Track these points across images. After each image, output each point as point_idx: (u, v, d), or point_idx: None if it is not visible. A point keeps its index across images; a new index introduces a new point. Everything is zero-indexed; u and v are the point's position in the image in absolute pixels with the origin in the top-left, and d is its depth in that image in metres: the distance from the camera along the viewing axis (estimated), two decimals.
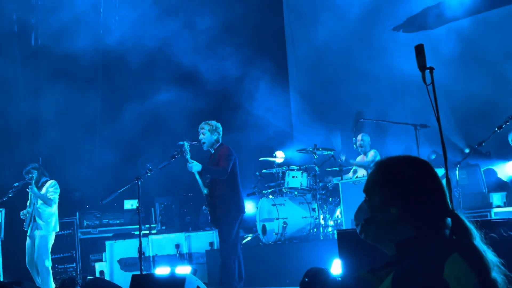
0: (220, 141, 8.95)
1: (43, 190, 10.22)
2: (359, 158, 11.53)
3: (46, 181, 10.35)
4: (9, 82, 14.28)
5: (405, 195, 2.23)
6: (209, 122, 8.94)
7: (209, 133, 8.84)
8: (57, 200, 10.31)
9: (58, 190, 10.35)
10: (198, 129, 8.97)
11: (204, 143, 8.86)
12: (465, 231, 2.19)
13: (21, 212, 10.32)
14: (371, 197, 2.32)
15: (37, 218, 10.15)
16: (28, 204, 10.34)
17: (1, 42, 14.16)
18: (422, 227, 2.20)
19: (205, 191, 8.66)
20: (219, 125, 8.98)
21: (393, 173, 2.28)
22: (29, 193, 10.24)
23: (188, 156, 8.58)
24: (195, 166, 8.51)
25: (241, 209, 8.83)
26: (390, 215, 2.24)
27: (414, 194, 2.23)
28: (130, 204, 14.08)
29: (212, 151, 8.93)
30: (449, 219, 2.22)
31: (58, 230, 10.44)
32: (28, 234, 10.24)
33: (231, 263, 8.50)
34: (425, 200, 2.23)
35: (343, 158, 11.39)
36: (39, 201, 10.15)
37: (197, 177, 8.63)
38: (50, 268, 10.16)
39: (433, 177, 2.28)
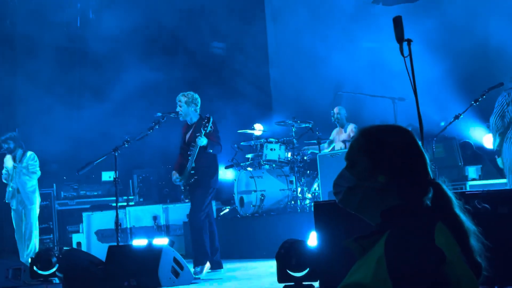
0: (198, 113, 8.88)
1: (24, 163, 10.15)
2: (336, 131, 11.54)
3: (23, 153, 10.26)
4: None
5: (392, 163, 2.21)
6: (186, 93, 8.87)
7: (185, 105, 8.79)
8: (39, 172, 10.27)
9: (38, 162, 10.30)
10: (176, 101, 8.90)
11: (180, 114, 8.81)
12: (446, 200, 2.19)
13: (8, 188, 10.26)
14: (357, 164, 2.28)
15: (21, 191, 10.09)
16: (7, 177, 10.26)
17: None
18: (408, 196, 2.19)
19: (193, 164, 8.64)
20: (196, 96, 8.89)
21: (380, 140, 2.26)
22: (7, 167, 10.18)
23: (203, 131, 8.49)
24: (204, 141, 8.49)
25: (217, 181, 8.87)
26: (377, 183, 2.21)
27: (401, 162, 2.21)
28: (108, 175, 14.02)
29: (190, 123, 8.86)
30: (430, 188, 2.22)
31: (40, 200, 10.44)
32: (13, 208, 10.19)
33: (202, 235, 8.47)
34: (411, 168, 2.22)
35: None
36: (22, 175, 10.08)
37: (196, 150, 8.59)
38: (37, 240, 10.17)
39: (417, 145, 2.27)
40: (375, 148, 2.25)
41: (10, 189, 10.21)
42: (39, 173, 10.24)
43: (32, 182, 10.19)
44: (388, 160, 2.22)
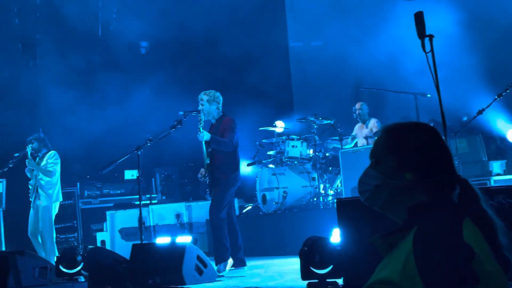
0: (221, 111, 8.87)
1: (44, 162, 10.22)
2: (358, 127, 11.51)
3: (46, 152, 10.33)
4: (8, 54, 14.25)
5: (419, 160, 2.22)
6: (207, 92, 8.85)
7: (207, 104, 8.77)
8: (57, 171, 10.30)
9: (59, 161, 10.33)
10: (198, 99, 8.89)
11: (204, 113, 8.77)
12: (473, 195, 2.19)
13: (30, 182, 10.37)
14: (383, 162, 2.29)
15: (39, 189, 10.18)
16: (30, 175, 10.36)
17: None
18: (435, 192, 2.19)
19: (207, 160, 8.65)
20: (218, 94, 8.86)
21: (407, 138, 2.26)
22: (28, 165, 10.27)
23: (201, 126, 8.54)
24: (205, 136, 8.48)
25: (238, 179, 8.81)
26: (404, 181, 2.22)
27: (428, 159, 2.22)
28: (131, 174, 14.10)
29: (214, 121, 8.86)
30: (457, 184, 2.21)
31: (61, 199, 10.48)
32: (31, 204, 10.29)
33: (221, 233, 8.46)
34: (437, 164, 2.23)
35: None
36: (40, 173, 10.18)
37: (204, 146, 8.61)
38: (54, 238, 10.21)
39: (442, 142, 2.28)
40: (401, 146, 2.26)
41: (30, 187, 10.30)
42: (56, 172, 10.23)
43: (51, 181, 10.22)
44: (415, 158, 2.23)
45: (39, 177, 10.17)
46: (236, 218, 8.95)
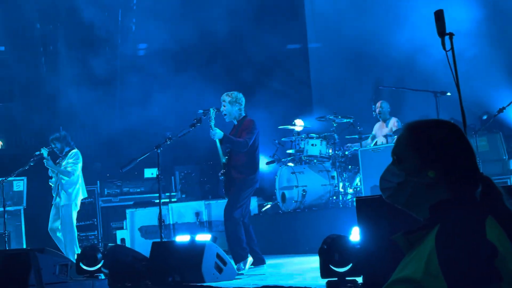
0: (243, 112, 8.83)
1: (65, 161, 10.28)
2: (378, 126, 11.48)
3: (69, 150, 10.37)
4: (29, 55, 14.39)
5: (442, 158, 2.21)
6: (230, 93, 8.72)
7: (229, 105, 8.66)
8: (77, 171, 10.31)
9: (79, 160, 10.35)
10: (220, 100, 8.85)
11: (225, 114, 8.68)
12: (495, 194, 2.18)
13: (50, 180, 10.44)
14: (405, 160, 2.28)
15: (59, 188, 10.25)
16: (50, 174, 10.43)
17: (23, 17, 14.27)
18: (457, 190, 2.19)
19: (223, 159, 8.63)
20: (240, 95, 8.75)
21: (429, 135, 2.25)
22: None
23: (212, 123, 8.47)
24: (217, 134, 8.43)
25: (256, 181, 8.69)
26: (427, 179, 2.21)
27: (451, 157, 2.21)
28: (150, 172, 14.18)
29: (235, 122, 8.79)
30: (479, 182, 2.21)
31: (86, 196, 10.54)
32: (53, 202, 10.35)
33: (237, 231, 8.43)
34: (460, 162, 2.22)
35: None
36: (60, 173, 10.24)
37: (218, 145, 8.56)
38: (75, 236, 10.26)
39: (465, 140, 2.26)
40: (424, 144, 2.25)
41: (52, 185, 10.36)
42: (75, 172, 10.25)
43: (71, 181, 10.26)
44: (438, 156, 2.22)
45: (60, 175, 10.24)
46: (249, 220, 8.85)
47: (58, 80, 14.79)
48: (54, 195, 10.35)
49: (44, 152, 10.16)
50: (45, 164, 10.19)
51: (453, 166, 2.20)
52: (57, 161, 10.37)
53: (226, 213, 8.54)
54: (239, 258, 8.34)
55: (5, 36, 14.10)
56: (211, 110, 8.57)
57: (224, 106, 8.66)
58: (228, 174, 8.57)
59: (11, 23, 13.89)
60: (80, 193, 10.37)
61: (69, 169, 10.20)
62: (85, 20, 14.10)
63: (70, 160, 10.24)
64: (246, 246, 8.45)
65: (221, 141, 8.49)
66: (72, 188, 10.26)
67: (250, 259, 8.45)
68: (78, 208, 10.39)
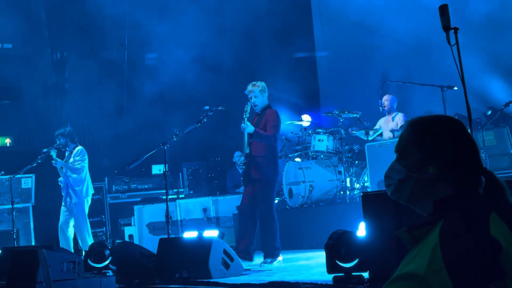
0: (267, 100, 8.83)
1: (71, 159, 10.31)
2: (384, 120, 11.45)
3: (74, 148, 10.42)
4: (36, 51, 14.41)
5: (443, 154, 2.21)
6: (256, 83, 8.73)
7: (260, 95, 8.70)
8: (85, 168, 10.38)
9: (86, 157, 10.41)
10: (246, 92, 8.78)
11: (256, 105, 8.70)
12: (499, 189, 2.18)
13: (59, 179, 10.49)
14: (407, 156, 2.28)
15: (69, 186, 10.29)
16: (59, 172, 10.47)
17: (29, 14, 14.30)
18: (460, 185, 2.18)
19: (247, 150, 8.66)
20: (264, 83, 8.83)
21: (430, 131, 2.25)
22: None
23: (245, 117, 8.53)
24: (249, 128, 8.49)
25: (278, 172, 8.83)
26: (428, 174, 2.21)
27: (452, 152, 2.21)
28: (158, 169, 14.21)
29: (259, 111, 8.78)
30: (482, 177, 2.21)
31: (92, 192, 10.61)
32: (63, 201, 10.40)
33: (272, 226, 8.54)
34: (462, 158, 2.21)
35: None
36: (68, 170, 10.28)
37: (246, 137, 8.61)
38: (90, 231, 10.34)
39: (467, 135, 2.25)
40: (425, 140, 2.25)
41: (61, 184, 10.40)
42: (84, 169, 10.32)
43: (79, 178, 10.32)
44: (439, 151, 2.22)
45: (68, 174, 10.28)
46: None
47: (66, 78, 14.83)
48: (64, 195, 10.38)
49: (53, 153, 10.20)
50: (54, 164, 10.23)
51: (455, 161, 2.20)
52: (64, 160, 10.40)
53: (265, 213, 8.61)
54: (269, 255, 8.48)
55: (13, 33, 14.13)
56: (247, 105, 8.59)
57: (255, 96, 8.68)
58: (250, 165, 8.61)
59: (19, 20, 13.91)
60: (89, 190, 10.44)
61: (77, 166, 10.25)
62: (94, 19, 14.16)
63: (77, 158, 10.29)
64: (279, 246, 8.56)
65: (250, 135, 8.53)
66: (81, 185, 10.31)
67: (280, 258, 8.54)
68: (89, 203, 10.47)
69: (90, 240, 10.19)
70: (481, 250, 1.95)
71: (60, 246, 9.89)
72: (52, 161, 10.20)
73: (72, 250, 9.97)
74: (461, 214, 2.08)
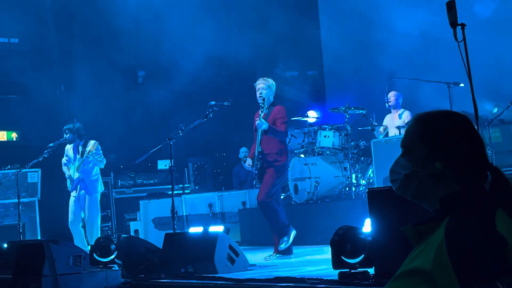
0: (272, 99, 8.91)
1: (88, 152, 10.27)
2: (389, 117, 11.43)
3: (85, 143, 10.37)
4: (43, 45, 14.45)
5: (450, 149, 2.19)
6: (266, 78, 8.83)
7: (268, 90, 8.77)
8: (105, 160, 10.45)
9: (101, 151, 10.46)
10: (254, 84, 8.85)
11: (262, 97, 8.73)
12: (505, 184, 2.16)
13: (68, 173, 10.45)
14: (413, 151, 2.27)
15: (85, 180, 10.27)
16: (67, 164, 10.45)
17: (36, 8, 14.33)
18: (466, 181, 2.17)
19: (259, 148, 8.71)
20: (273, 81, 8.90)
21: (437, 126, 2.23)
22: (69, 155, 10.39)
23: (262, 114, 8.59)
24: (264, 125, 8.55)
25: (285, 169, 9.00)
26: (434, 170, 2.20)
27: (458, 148, 2.19)
28: (164, 164, 14.23)
29: (265, 108, 8.79)
30: (488, 173, 2.20)
31: (103, 189, 10.65)
32: (74, 195, 10.34)
33: (276, 213, 8.64)
34: (469, 153, 2.19)
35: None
36: (86, 164, 10.24)
37: (259, 134, 8.66)
38: (99, 228, 10.38)
39: (474, 131, 2.24)
40: (431, 135, 2.23)
41: (74, 177, 10.34)
42: (105, 161, 10.42)
43: (96, 171, 10.38)
44: (445, 147, 2.20)
45: (85, 168, 10.26)
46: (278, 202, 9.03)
47: (72, 71, 14.86)
48: (77, 190, 10.33)
49: (69, 136, 10.24)
50: (86, 158, 10.18)
51: (460, 157, 2.19)
52: (79, 155, 10.36)
53: (259, 202, 8.73)
54: (282, 235, 8.65)
55: (19, 28, 14.16)
56: (264, 101, 8.66)
57: (265, 89, 8.74)
58: (263, 161, 8.66)
59: (25, 14, 13.94)
60: (101, 185, 10.49)
61: (98, 158, 10.28)
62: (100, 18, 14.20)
63: (94, 151, 10.23)
64: (287, 223, 8.73)
65: (265, 131, 8.59)
66: (97, 178, 10.36)
67: (293, 233, 8.71)
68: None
69: (97, 234, 10.21)
70: (487, 246, 1.95)
71: (75, 242, 9.90)
72: (69, 164, 10.26)
73: (87, 244, 9.98)
74: (467, 210, 2.08)
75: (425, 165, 2.23)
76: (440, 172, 2.20)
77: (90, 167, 10.33)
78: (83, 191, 10.29)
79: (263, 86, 8.76)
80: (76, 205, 10.34)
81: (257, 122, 8.59)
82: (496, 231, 1.98)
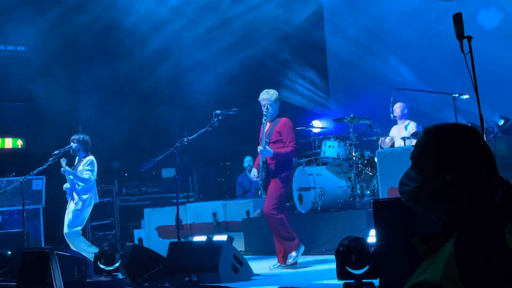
0: (278, 111, 8.81)
1: (80, 167, 10.27)
2: (395, 128, 11.43)
3: (84, 157, 10.34)
4: (49, 53, 14.49)
5: (460, 162, 2.18)
6: (270, 91, 8.67)
7: (274, 104, 8.64)
8: (93, 178, 10.30)
9: (94, 168, 10.30)
10: (259, 99, 8.73)
11: (268, 113, 8.60)
12: None
13: (64, 186, 10.45)
14: (423, 163, 2.26)
15: (73, 192, 10.25)
16: (67, 178, 10.45)
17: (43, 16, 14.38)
18: (476, 195, 2.16)
19: (263, 158, 8.67)
20: (277, 92, 8.77)
21: (446, 139, 2.23)
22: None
23: (264, 142, 8.52)
24: (267, 153, 8.49)
25: (289, 180, 9.01)
26: (444, 183, 2.19)
27: (468, 161, 2.18)
28: (168, 172, 14.23)
29: (270, 120, 8.72)
30: (498, 187, 2.18)
31: (97, 201, 10.53)
32: (67, 206, 10.35)
33: (282, 225, 8.57)
34: (479, 166, 2.19)
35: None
36: (75, 178, 10.22)
37: (262, 158, 8.62)
38: (79, 235, 10.20)
39: (483, 143, 2.23)
40: (441, 147, 2.23)
41: (67, 190, 10.33)
42: (90, 179, 10.24)
43: (86, 187, 10.25)
44: (455, 159, 2.19)
45: (75, 181, 10.23)
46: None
47: (77, 79, 14.91)
48: (69, 200, 10.34)
49: (63, 162, 10.18)
50: (62, 172, 10.20)
51: (471, 170, 2.18)
52: (72, 167, 10.37)
53: (265, 213, 8.66)
54: (289, 251, 8.55)
55: (26, 36, 14.20)
56: (263, 126, 8.58)
57: (270, 105, 8.62)
58: (268, 172, 8.61)
59: (32, 22, 13.99)
60: (92, 199, 10.37)
61: (85, 176, 10.19)
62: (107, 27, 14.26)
63: (86, 168, 10.21)
64: (294, 235, 8.62)
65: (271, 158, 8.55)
66: (85, 194, 10.25)
67: (302, 249, 8.66)
68: (89, 212, 10.39)
69: (78, 241, 10.09)
70: (496, 261, 1.95)
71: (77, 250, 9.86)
72: (61, 169, 10.19)
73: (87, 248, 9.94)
74: (477, 224, 2.07)
75: (435, 177, 2.22)
76: (450, 185, 2.19)
77: (79, 182, 10.27)
78: (71, 203, 10.26)
79: (268, 102, 8.64)
80: (66, 216, 10.32)
81: (260, 149, 8.53)
82: (506, 246, 1.97)
